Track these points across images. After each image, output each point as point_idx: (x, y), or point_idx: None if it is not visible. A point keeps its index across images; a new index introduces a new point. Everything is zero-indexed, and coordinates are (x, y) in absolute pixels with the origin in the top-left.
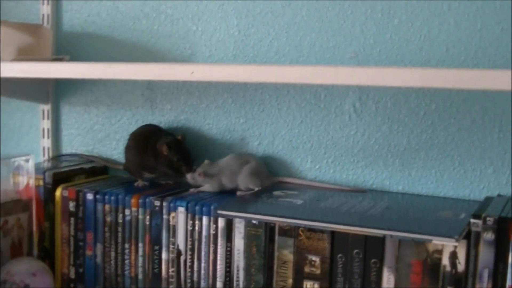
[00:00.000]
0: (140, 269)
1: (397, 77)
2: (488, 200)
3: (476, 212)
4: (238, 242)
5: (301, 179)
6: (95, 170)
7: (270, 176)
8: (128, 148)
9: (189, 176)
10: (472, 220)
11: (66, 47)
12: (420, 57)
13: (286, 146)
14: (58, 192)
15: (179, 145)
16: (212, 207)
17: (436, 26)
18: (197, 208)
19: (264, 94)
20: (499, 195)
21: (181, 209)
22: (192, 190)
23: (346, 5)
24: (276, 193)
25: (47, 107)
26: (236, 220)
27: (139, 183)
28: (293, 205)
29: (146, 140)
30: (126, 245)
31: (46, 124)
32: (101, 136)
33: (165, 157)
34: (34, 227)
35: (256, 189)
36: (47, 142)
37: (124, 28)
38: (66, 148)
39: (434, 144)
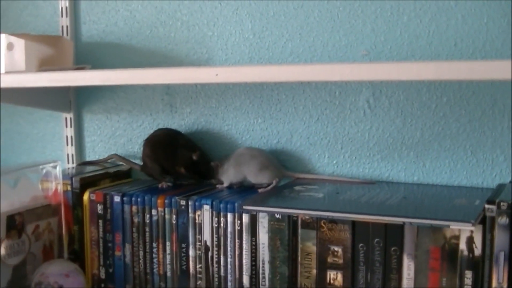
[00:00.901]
0: (168, 267)
1: (412, 71)
2: (501, 187)
3: (490, 198)
4: (263, 236)
5: (315, 174)
6: (120, 174)
7: (282, 168)
8: (147, 156)
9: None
10: (486, 206)
11: (86, 57)
12: (430, 52)
13: (304, 143)
14: (85, 196)
15: (196, 164)
16: (236, 204)
17: (444, 22)
18: (221, 205)
19: (281, 94)
20: (511, 182)
21: (206, 207)
22: (219, 187)
23: (357, 4)
24: (297, 188)
25: (69, 115)
26: (260, 215)
27: (163, 184)
28: (314, 198)
29: (164, 148)
30: (154, 244)
31: (70, 131)
32: (123, 141)
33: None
34: (64, 231)
35: (274, 182)
36: (71, 149)
37: (142, 36)
38: (89, 155)
39: (447, 135)
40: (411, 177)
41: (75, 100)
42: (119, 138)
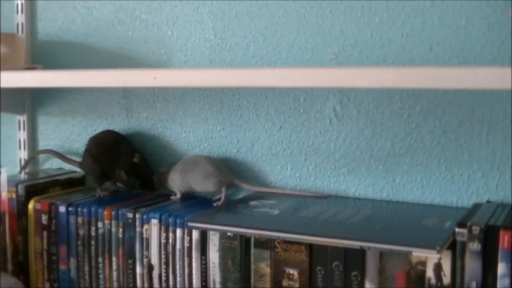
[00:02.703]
0: (115, 284)
1: (385, 77)
2: (477, 206)
3: (461, 220)
4: (213, 255)
5: (276, 187)
6: (72, 181)
7: (230, 174)
8: (89, 154)
9: (156, 181)
10: (457, 230)
11: (42, 56)
12: (403, 57)
13: (266, 153)
14: (31, 205)
15: (137, 168)
16: (185, 219)
17: (419, 24)
18: (170, 220)
19: (242, 99)
20: (488, 201)
21: (154, 221)
22: (173, 198)
23: (325, 4)
24: (252, 203)
25: (23, 118)
26: (211, 232)
27: (99, 193)
28: (269, 215)
29: (108, 149)
30: (100, 259)
31: (23, 135)
32: (78, 146)
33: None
34: (8, 241)
35: (223, 190)
36: (23, 154)
37: (99, 35)
38: (43, 160)
39: (419, 148)
40: (380, 193)
41: (30, 102)
42: (73, 143)
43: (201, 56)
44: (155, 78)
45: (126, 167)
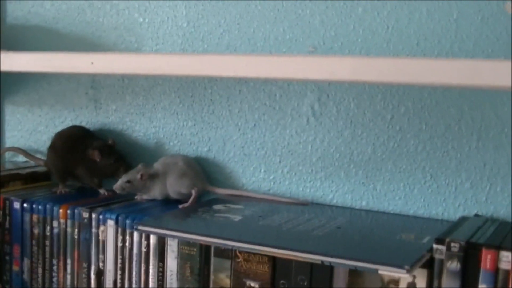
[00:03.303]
0: None
1: (351, 68)
2: (463, 220)
3: (441, 235)
4: (171, 262)
5: (247, 190)
6: (35, 176)
7: (204, 180)
8: (53, 150)
9: (117, 186)
10: (434, 246)
11: (11, 40)
12: (388, 51)
13: (238, 153)
14: None
15: (111, 150)
16: (134, 221)
17: (405, 15)
18: (127, 221)
19: (214, 94)
20: (476, 215)
21: (110, 222)
22: (138, 197)
23: None
24: (216, 207)
25: None
26: (169, 238)
27: (60, 189)
28: (230, 221)
29: (73, 144)
30: (54, 261)
31: None
32: (45, 138)
33: (98, 163)
34: None
35: (193, 193)
36: None
37: (69, 20)
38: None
39: (403, 153)
40: (359, 201)
41: None
42: (40, 135)
43: (173, 45)
44: (92, 63)
45: (99, 147)
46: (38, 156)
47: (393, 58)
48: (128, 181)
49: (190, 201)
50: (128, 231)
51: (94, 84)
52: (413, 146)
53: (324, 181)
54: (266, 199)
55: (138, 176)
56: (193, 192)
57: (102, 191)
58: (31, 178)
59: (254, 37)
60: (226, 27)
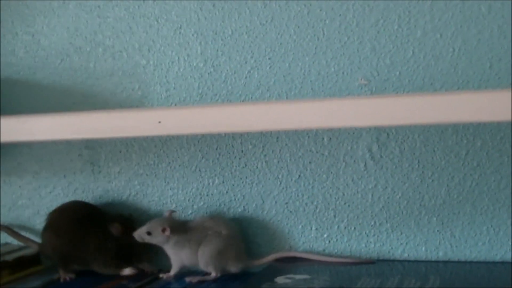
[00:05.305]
0: None
1: (419, 109)
2: None
3: None
4: None
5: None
6: (23, 262)
7: (245, 259)
8: (51, 232)
9: (136, 234)
10: None
11: None
12: (456, 79)
13: (281, 211)
14: None
15: (132, 223)
16: None
17: (473, 35)
18: None
19: (245, 143)
20: None
21: None
22: (163, 276)
23: (350, 16)
24: (279, 280)
25: None
26: None
27: (64, 276)
28: None
29: (79, 222)
30: None
31: None
32: (28, 214)
33: (116, 241)
34: None
35: (213, 275)
36: None
37: (50, 69)
38: None
39: (484, 192)
40: (435, 252)
41: None
42: (21, 210)
43: (188, 89)
44: (160, 122)
45: (99, 246)
46: (24, 235)
47: (469, 92)
48: (149, 233)
49: (200, 278)
50: None
51: (89, 144)
52: (494, 183)
53: (390, 233)
54: (322, 260)
55: (160, 229)
56: (213, 275)
57: (127, 270)
58: (18, 265)
59: (290, 73)
60: (254, 64)
